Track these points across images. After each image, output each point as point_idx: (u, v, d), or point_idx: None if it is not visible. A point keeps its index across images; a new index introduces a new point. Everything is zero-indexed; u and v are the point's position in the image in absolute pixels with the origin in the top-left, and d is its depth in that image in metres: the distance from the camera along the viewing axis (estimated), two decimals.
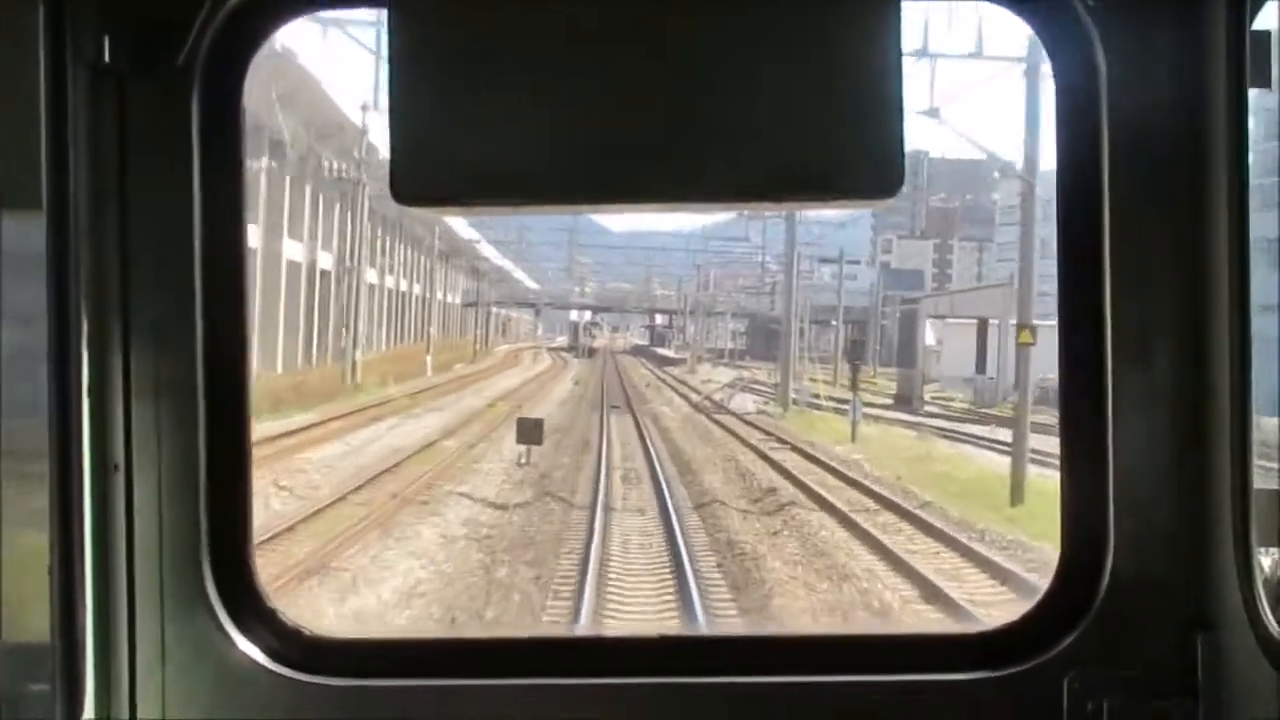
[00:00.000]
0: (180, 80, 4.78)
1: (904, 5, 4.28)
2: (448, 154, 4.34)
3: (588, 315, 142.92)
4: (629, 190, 4.46)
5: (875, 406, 65.35)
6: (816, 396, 69.61)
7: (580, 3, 4.41)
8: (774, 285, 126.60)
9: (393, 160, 4.33)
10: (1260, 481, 4.70)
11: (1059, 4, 4.81)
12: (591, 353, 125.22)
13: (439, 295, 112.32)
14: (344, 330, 67.84)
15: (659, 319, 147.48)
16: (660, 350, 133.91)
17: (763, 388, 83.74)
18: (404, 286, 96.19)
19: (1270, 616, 4.63)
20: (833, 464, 45.74)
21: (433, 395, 67.21)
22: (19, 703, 4.31)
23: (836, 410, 63.99)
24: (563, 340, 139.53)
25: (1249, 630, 4.66)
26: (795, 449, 50.41)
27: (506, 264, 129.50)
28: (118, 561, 4.86)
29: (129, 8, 4.74)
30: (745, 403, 73.71)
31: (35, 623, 4.44)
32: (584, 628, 24.76)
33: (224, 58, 4.85)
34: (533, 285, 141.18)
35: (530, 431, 45.93)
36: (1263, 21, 4.57)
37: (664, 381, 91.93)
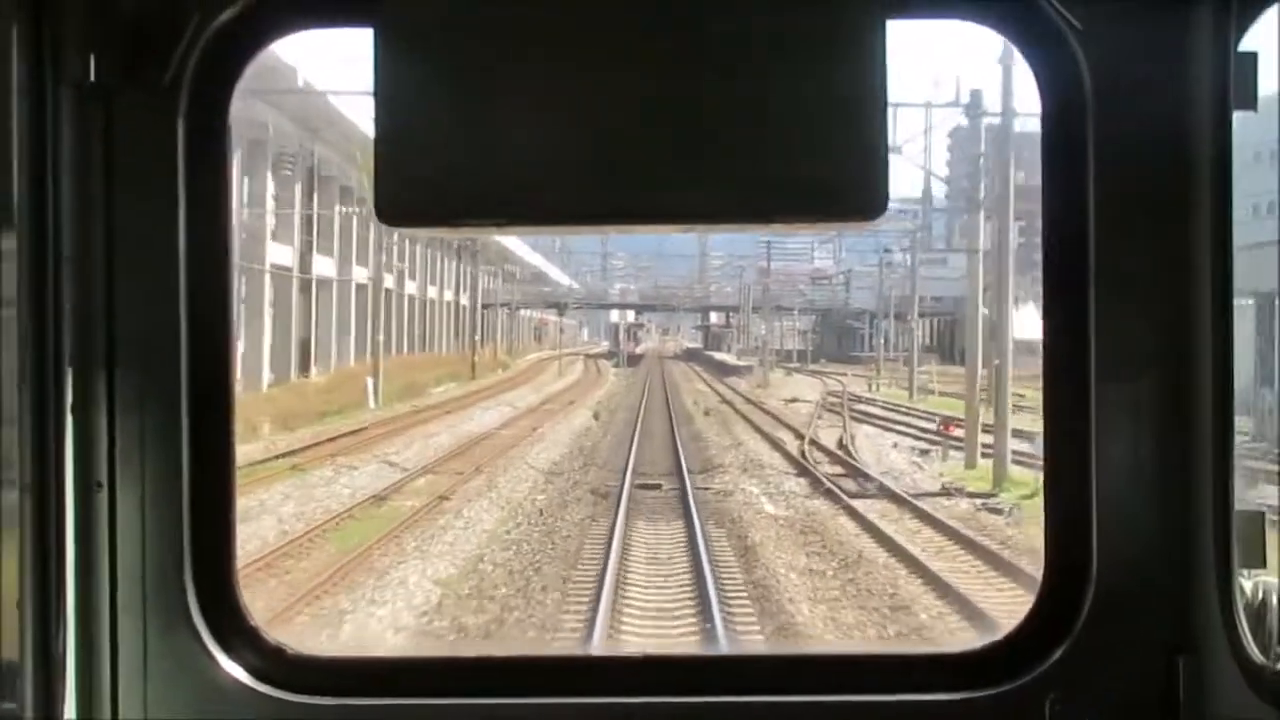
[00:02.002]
0: (167, 98, 5.04)
1: (889, 30, 4.57)
2: (434, 175, 4.63)
3: (631, 315, 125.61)
4: (616, 212, 4.78)
5: None
6: None
7: (567, 27, 4.67)
8: (847, 275, 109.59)
9: (377, 180, 4.61)
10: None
11: (1045, 27, 5.06)
12: (634, 360, 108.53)
13: (445, 295, 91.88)
14: None
15: (714, 317, 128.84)
16: (717, 355, 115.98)
17: (879, 410, 59.71)
18: (389, 284, 74.76)
19: (1251, 641, 4.84)
20: None
21: (298, 465, 39.78)
22: None
23: None
24: (608, 345, 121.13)
25: (1230, 654, 4.88)
26: None
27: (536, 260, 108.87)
28: (100, 579, 5.06)
29: (116, 26, 4.97)
30: (883, 449, 46.52)
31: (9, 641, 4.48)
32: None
33: (211, 75, 5.09)
34: (567, 283, 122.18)
35: None
36: (1248, 43, 4.85)
37: (730, 404, 68.00)
